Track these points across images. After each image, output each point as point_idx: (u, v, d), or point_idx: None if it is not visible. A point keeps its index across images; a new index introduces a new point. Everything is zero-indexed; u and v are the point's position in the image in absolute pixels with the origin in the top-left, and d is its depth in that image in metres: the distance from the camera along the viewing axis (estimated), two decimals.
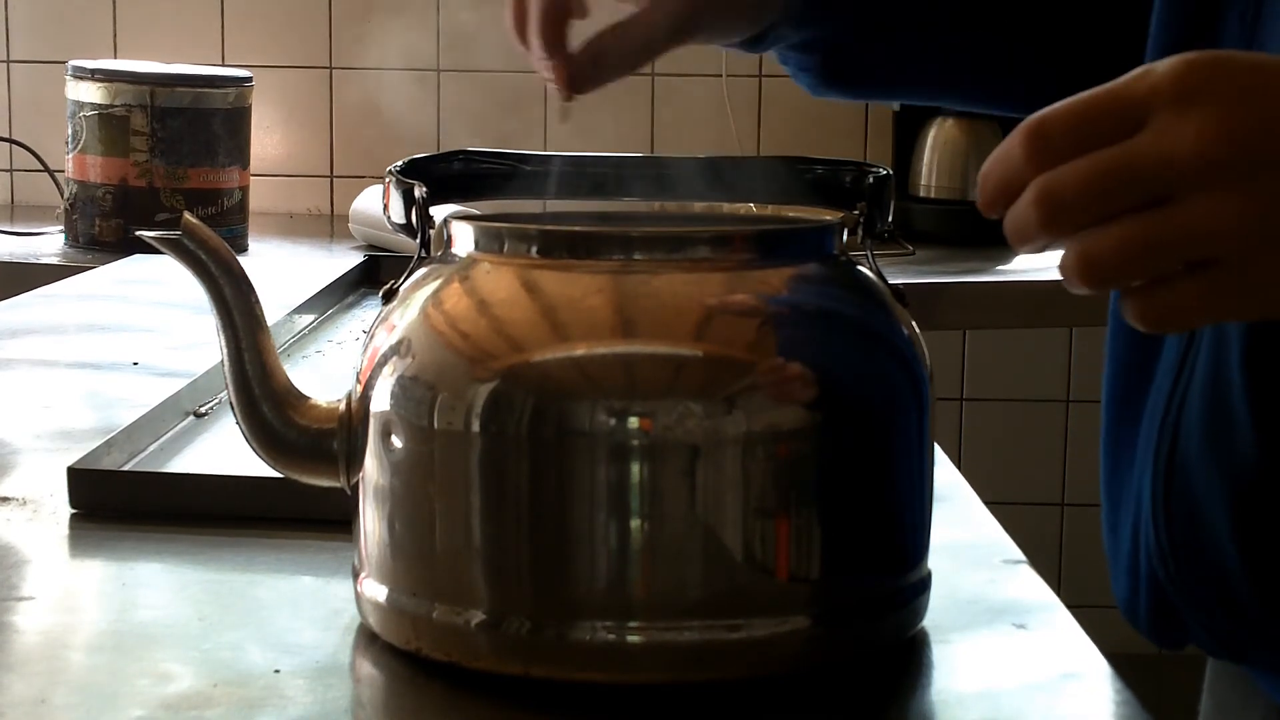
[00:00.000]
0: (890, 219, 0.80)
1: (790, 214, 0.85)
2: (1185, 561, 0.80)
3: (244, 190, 2.39)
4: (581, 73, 0.91)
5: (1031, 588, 0.86)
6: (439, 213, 0.78)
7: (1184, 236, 0.59)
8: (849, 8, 0.96)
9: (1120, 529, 0.85)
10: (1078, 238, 0.61)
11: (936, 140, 2.57)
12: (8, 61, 2.78)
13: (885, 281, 0.78)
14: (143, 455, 1.06)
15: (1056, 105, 0.61)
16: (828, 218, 0.78)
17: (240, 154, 2.38)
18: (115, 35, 2.76)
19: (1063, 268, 0.62)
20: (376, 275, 1.75)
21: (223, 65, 2.66)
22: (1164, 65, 0.60)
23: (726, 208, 0.88)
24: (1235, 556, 0.77)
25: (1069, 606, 0.82)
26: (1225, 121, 0.58)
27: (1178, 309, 0.61)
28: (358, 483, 0.76)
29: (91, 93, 2.30)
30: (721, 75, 2.63)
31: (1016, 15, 0.97)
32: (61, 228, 2.39)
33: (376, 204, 2.27)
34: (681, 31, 0.92)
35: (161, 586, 0.87)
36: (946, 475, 1.03)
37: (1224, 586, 0.78)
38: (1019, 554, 0.90)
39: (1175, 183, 0.59)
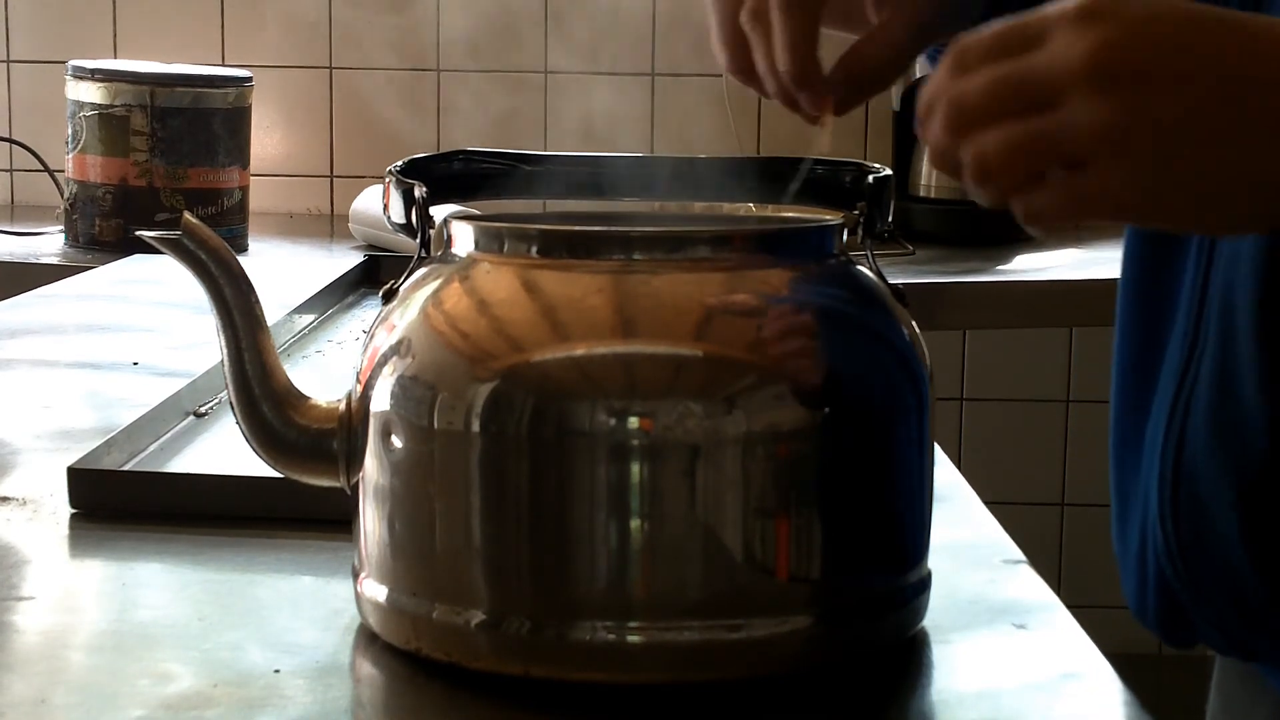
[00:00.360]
0: (890, 219, 0.80)
1: (789, 214, 0.85)
2: (1193, 561, 0.80)
3: (244, 190, 2.39)
4: (840, 96, 0.86)
5: (1031, 588, 0.86)
6: (439, 213, 0.78)
7: (1055, 135, 0.63)
8: None
9: (1129, 528, 0.86)
10: (974, 142, 0.64)
11: None
12: (8, 61, 2.78)
13: (885, 281, 0.78)
14: (143, 455, 1.06)
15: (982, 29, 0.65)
16: (828, 218, 0.78)
17: (240, 154, 2.38)
18: (115, 35, 2.76)
19: (965, 177, 0.66)
20: (376, 275, 1.75)
21: (223, 65, 2.66)
22: None
23: (726, 208, 0.88)
24: (1243, 555, 0.77)
25: (1069, 606, 0.82)
26: (1113, 36, 0.61)
27: (1051, 206, 0.65)
28: (358, 483, 0.76)
29: (91, 93, 2.30)
30: (722, 75, 2.62)
31: None
32: (61, 228, 2.39)
33: (376, 204, 2.27)
34: (924, 37, 0.89)
35: (161, 586, 0.87)
36: (946, 475, 1.03)
37: (1232, 585, 0.78)
38: (1019, 554, 0.90)
39: (1060, 89, 0.62)
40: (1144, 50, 0.62)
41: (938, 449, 0.93)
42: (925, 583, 0.77)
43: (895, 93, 2.61)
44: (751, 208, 0.92)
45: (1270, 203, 0.63)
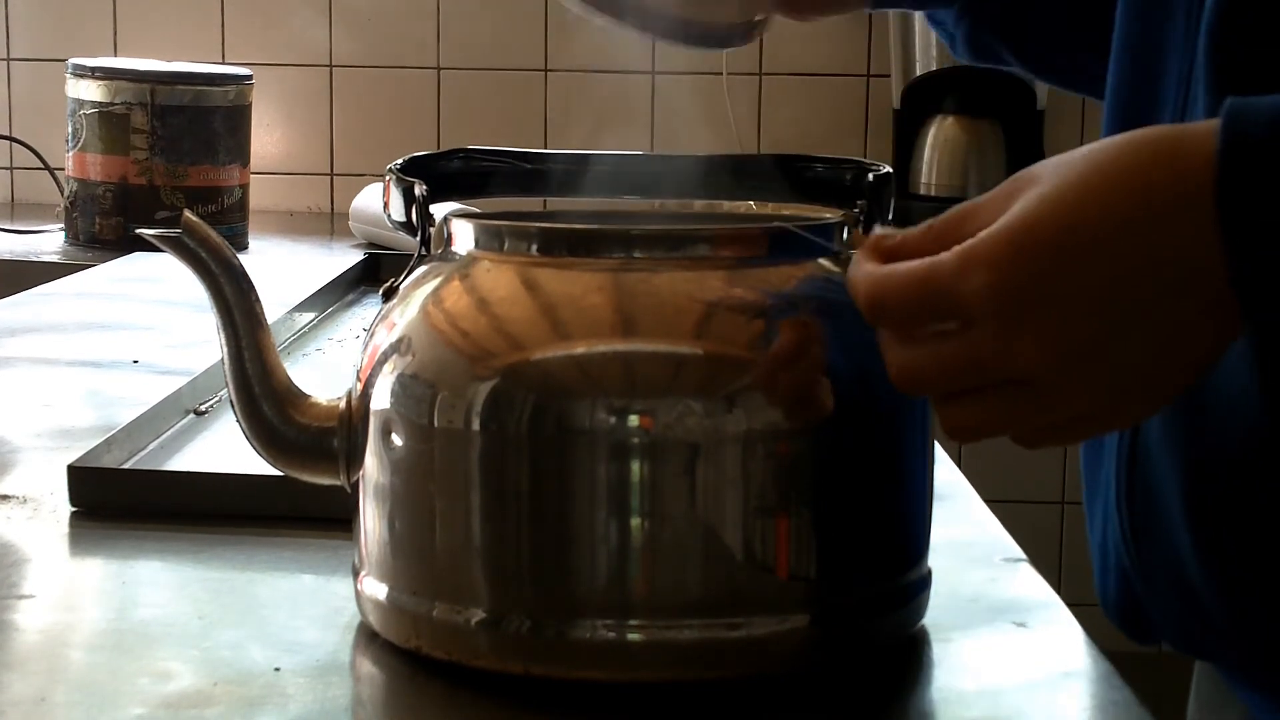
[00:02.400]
0: (890, 217, 0.80)
1: (789, 212, 0.85)
2: (1145, 547, 0.80)
3: (244, 188, 2.39)
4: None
5: (1031, 586, 0.86)
6: (439, 211, 0.78)
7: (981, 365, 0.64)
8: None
9: (1094, 518, 0.86)
10: (897, 349, 0.66)
11: (937, 138, 2.57)
12: (8, 59, 2.78)
13: None
14: (143, 453, 1.06)
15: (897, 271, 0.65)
16: (828, 216, 0.78)
17: (240, 152, 2.38)
18: (115, 33, 2.76)
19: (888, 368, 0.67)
20: (376, 273, 1.75)
21: (223, 63, 2.66)
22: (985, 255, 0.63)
23: (726, 206, 0.88)
24: (1189, 543, 0.77)
25: (1069, 605, 0.83)
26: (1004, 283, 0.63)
27: (984, 418, 0.66)
28: (358, 481, 0.76)
29: (92, 90, 2.30)
30: (722, 74, 2.63)
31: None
32: (62, 226, 2.39)
33: (377, 202, 2.27)
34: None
35: (162, 585, 0.87)
36: (947, 474, 1.03)
37: (1180, 576, 0.78)
38: (1019, 552, 0.91)
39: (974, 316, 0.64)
40: (1025, 286, 0.62)
41: (938, 447, 0.93)
42: (925, 581, 0.77)
43: (895, 91, 2.61)
44: (751, 205, 0.92)
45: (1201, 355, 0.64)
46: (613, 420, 0.69)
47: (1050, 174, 0.64)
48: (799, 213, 0.84)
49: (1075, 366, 0.63)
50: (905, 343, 0.65)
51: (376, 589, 0.75)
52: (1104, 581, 0.85)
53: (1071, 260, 0.62)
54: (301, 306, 1.52)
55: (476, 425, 0.70)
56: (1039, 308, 0.62)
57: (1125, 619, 0.84)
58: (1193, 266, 0.62)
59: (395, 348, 0.74)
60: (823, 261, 0.75)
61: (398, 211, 0.79)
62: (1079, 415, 0.65)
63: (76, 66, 2.33)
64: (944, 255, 0.63)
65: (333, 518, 0.85)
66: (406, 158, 0.83)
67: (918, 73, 2.57)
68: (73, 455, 0.98)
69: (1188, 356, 0.63)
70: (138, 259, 1.94)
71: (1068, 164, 0.64)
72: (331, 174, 2.78)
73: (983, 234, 0.63)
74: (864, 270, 0.66)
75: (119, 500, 0.95)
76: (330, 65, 2.76)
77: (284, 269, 1.80)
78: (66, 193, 2.36)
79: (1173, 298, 0.62)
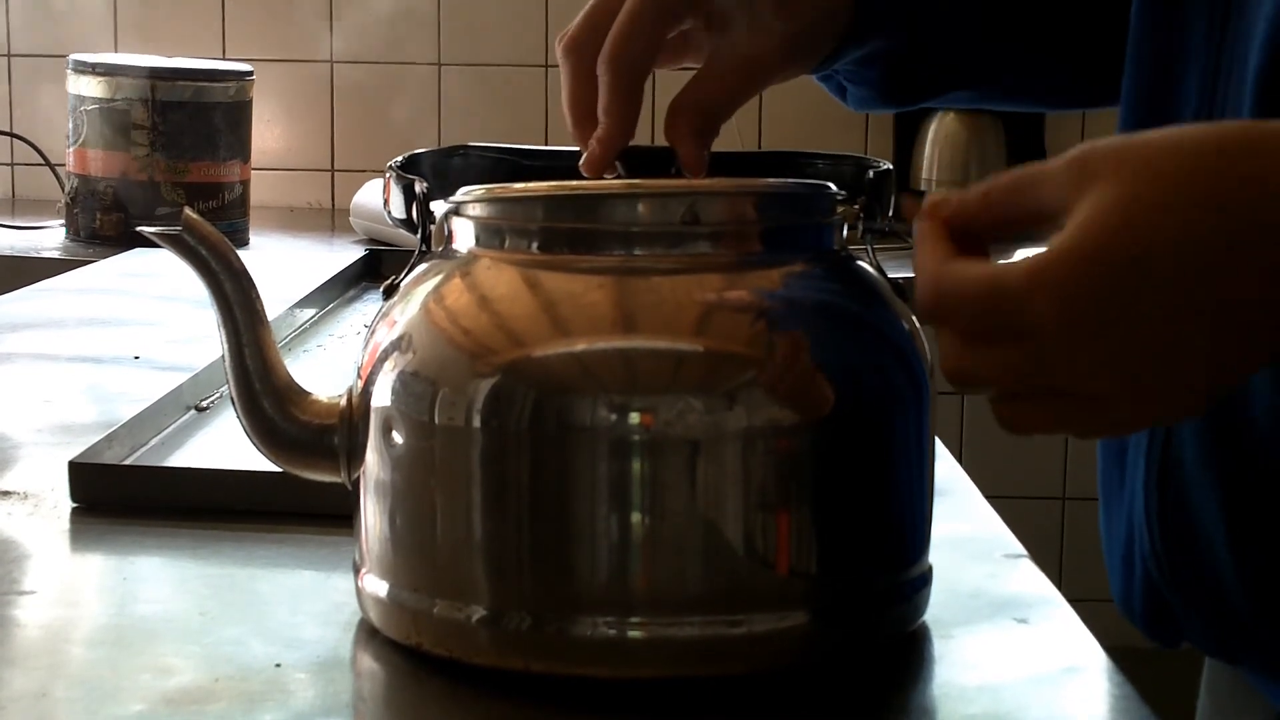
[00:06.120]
0: (891, 213, 0.80)
1: (791, 181, 0.84)
2: (1180, 565, 0.80)
3: (245, 184, 2.40)
4: (688, 152, 0.85)
5: (1032, 582, 0.86)
6: (440, 208, 0.78)
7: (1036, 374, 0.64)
8: (905, 21, 0.94)
9: (1114, 525, 0.85)
10: (954, 347, 0.65)
11: (937, 134, 2.57)
12: (9, 55, 2.78)
13: (885, 276, 0.78)
14: (144, 449, 1.06)
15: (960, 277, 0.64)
16: (830, 186, 0.77)
17: (241, 148, 2.38)
18: (116, 29, 2.76)
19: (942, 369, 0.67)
20: (377, 270, 1.75)
21: (223, 59, 2.66)
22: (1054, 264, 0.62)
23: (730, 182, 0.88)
24: (1230, 563, 0.77)
25: (1070, 601, 0.83)
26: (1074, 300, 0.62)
27: (1035, 423, 0.66)
28: (358, 478, 0.76)
29: (92, 87, 2.30)
30: None
31: (1039, 28, 0.97)
32: (62, 222, 2.39)
33: (377, 198, 2.27)
34: (756, 84, 0.88)
35: (162, 581, 0.87)
36: (947, 469, 1.03)
37: (1218, 591, 0.78)
38: (1020, 548, 0.91)
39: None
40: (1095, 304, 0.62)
41: (938, 443, 0.93)
42: (926, 577, 0.77)
43: None
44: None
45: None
46: (613, 417, 0.69)
47: (1119, 175, 0.62)
48: (800, 182, 0.83)
49: (1139, 380, 0.62)
50: (964, 342, 0.64)
51: (377, 585, 0.75)
52: (1127, 589, 0.85)
53: (1144, 285, 0.61)
54: (302, 303, 1.52)
55: (477, 422, 0.70)
56: (1108, 327, 0.61)
57: (1151, 625, 0.84)
58: (1265, 286, 0.61)
59: (396, 345, 0.74)
60: (823, 258, 0.75)
61: (398, 208, 0.79)
62: (1135, 418, 0.66)
63: (77, 63, 2.33)
64: (1012, 271, 0.62)
65: (333, 514, 0.85)
66: (407, 154, 0.83)
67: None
68: (73, 451, 0.98)
69: (1251, 364, 0.63)
70: (138, 255, 1.94)
71: (1137, 163, 0.62)
72: (332, 170, 2.78)
73: (1052, 252, 0.62)
74: (927, 259, 0.65)
75: (120, 496, 0.95)
76: (331, 61, 2.76)
77: (284, 265, 1.81)
78: (67, 189, 2.36)
79: (1247, 312, 0.61)
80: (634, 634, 0.70)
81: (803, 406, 0.70)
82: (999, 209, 0.65)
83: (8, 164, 2.77)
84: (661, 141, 0.85)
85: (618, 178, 0.84)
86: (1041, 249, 0.62)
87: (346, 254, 1.84)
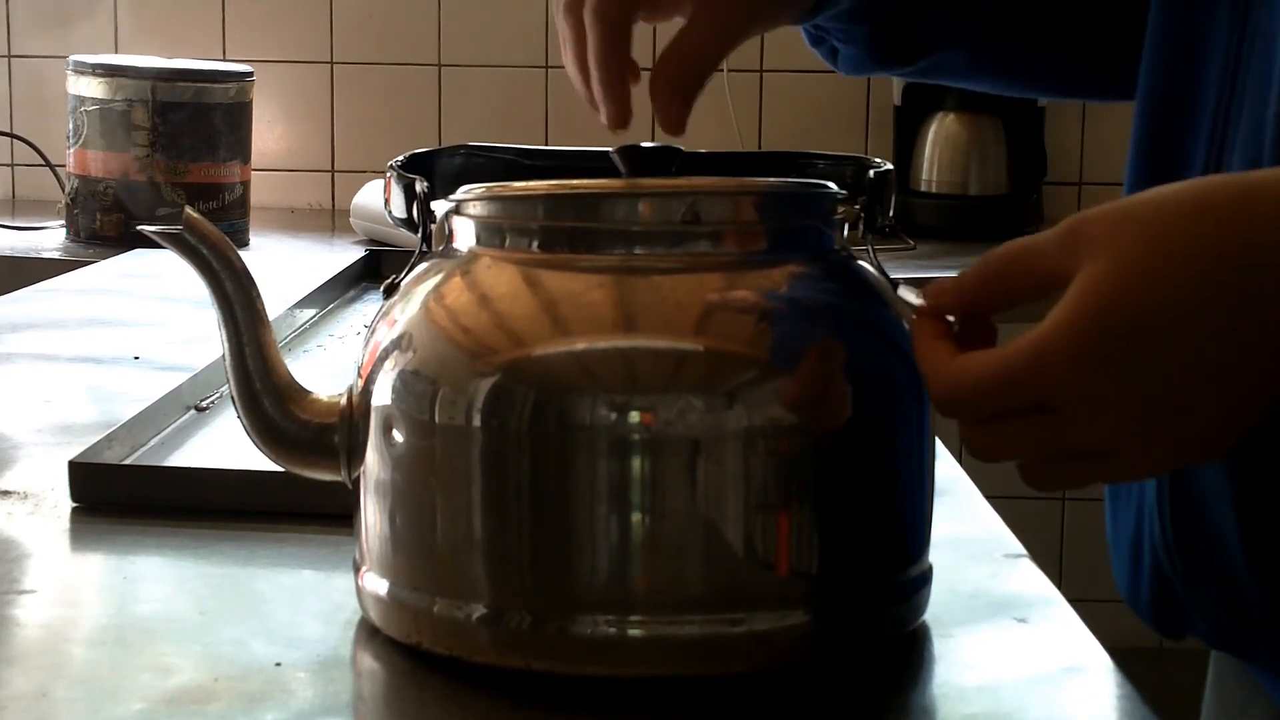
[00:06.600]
0: (891, 213, 0.80)
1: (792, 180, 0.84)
2: (1190, 556, 0.80)
3: (245, 185, 2.40)
4: (668, 113, 0.86)
5: (1032, 581, 0.86)
6: (440, 207, 0.78)
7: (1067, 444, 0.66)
8: None
9: (1121, 513, 0.85)
10: (975, 431, 0.68)
11: (938, 134, 2.57)
12: (9, 56, 2.78)
13: (886, 276, 0.78)
14: (144, 449, 1.06)
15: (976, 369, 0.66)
16: (830, 186, 0.77)
17: (241, 148, 2.38)
18: (116, 30, 2.76)
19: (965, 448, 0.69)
20: (377, 270, 1.75)
21: (224, 60, 2.66)
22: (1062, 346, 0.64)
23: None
24: (1241, 557, 0.77)
25: (1070, 600, 0.83)
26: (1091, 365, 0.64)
27: (1066, 482, 0.68)
28: (359, 477, 0.76)
29: (93, 87, 2.30)
30: (723, 70, 2.62)
31: (1041, 27, 0.97)
32: (63, 222, 2.39)
33: (377, 198, 2.27)
34: (738, 35, 0.88)
35: (162, 580, 0.87)
36: (947, 469, 1.03)
37: (1228, 582, 0.78)
38: (1020, 548, 0.91)
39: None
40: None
41: (938, 443, 0.93)
42: (926, 577, 0.77)
43: (896, 88, 2.61)
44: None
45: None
46: (613, 416, 0.69)
47: (1113, 241, 0.64)
48: (802, 181, 0.83)
49: (1158, 431, 0.64)
50: (984, 426, 0.67)
51: (377, 584, 0.75)
52: (1134, 580, 0.85)
53: (1146, 345, 0.63)
54: (302, 303, 1.52)
55: (477, 421, 0.70)
56: (1120, 388, 0.63)
57: (1157, 617, 0.84)
58: (1266, 331, 0.63)
59: (396, 344, 0.74)
60: (824, 258, 0.75)
61: (399, 208, 0.79)
62: (1160, 464, 0.68)
63: (78, 63, 2.33)
64: (1018, 352, 0.64)
65: (334, 513, 0.85)
66: (407, 154, 0.83)
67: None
68: (74, 451, 0.98)
69: (1263, 402, 0.64)
70: (139, 255, 1.94)
71: (1129, 229, 0.64)
72: (332, 170, 2.78)
73: (1054, 324, 0.64)
74: (932, 361, 0.68)
75: (120, 496, 0.95)
76: (331, 62, 2.76)
77: (285, 265, 1.81)
78: (67, 189, 2.36)
79: (1252, 358, 0.63)
80: (634, 633, 0.70)
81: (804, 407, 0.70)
82: (998, 288, 0.68)
83: (8, 165, 2.77)
84: (661, 140, 0.85)
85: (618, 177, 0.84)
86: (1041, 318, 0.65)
87: (347, 254, 1.84)
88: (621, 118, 0.86)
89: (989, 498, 1.01)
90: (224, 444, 1.07)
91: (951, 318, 0.69)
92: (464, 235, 0.76)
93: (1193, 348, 0.63)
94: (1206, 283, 0.62)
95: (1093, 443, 0.65)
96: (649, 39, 0.90)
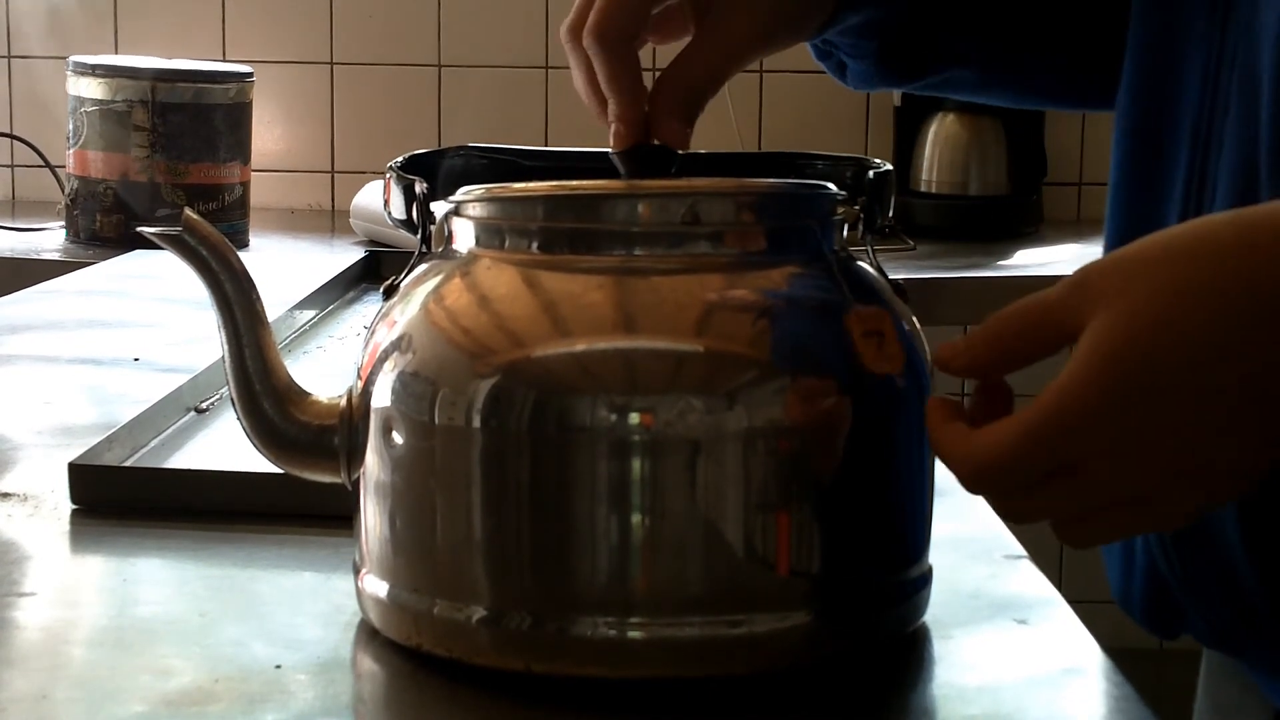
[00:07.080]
0: (891, 214, 0.80)
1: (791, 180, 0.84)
2: (1189, 555, 0.80)
3: (245, 186, 2.40)
4: (671, 133, 0.84)
5: (1032, 583, 0.86)
6: (440, 208, 0.78)
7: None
8: None
9: None
10: (1006, 504, 0.69)
11: (938, 135, 2.57)
12: (9, 57, 2.78)
13: (886, 276, 0.78)
14: (144, 451, 1.06)
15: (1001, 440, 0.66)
16: (829, 187, 0.77)
17: (241, 149, 2.38)
18: (116, 31, 2.76)
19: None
20: (377, 271, 1.75)
21: (224, 60, 2.66)
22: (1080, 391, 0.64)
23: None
24: (1243, 555, 0.76)
25: (1069, 601, 0.83)
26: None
27: (1104, 536, 0.69)
28: (359, 478, 0.76)
29: (92, 88, 2.30)
30: None
31: (1051, 40, 0.97)
32: (62, 223, 2.39)
33: (377, 199, 2.27)
34: (741, 58, 0.87)
35: (162, 582, 0.87)
36: (947, 469, 1.03)
37: (1229, 584, 0.78)
38: (1020, 549, 0.91)
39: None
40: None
41: None
42: (926, 578, 0.77)
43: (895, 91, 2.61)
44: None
45: None
46: (613, 417, 0.69)
47: (1120, 294, 0.64)
48: (800, 182, 0.83)
49: (1187, 475, 0.65)
50: (1014, 493, 0.67)
51: (377, 586, 0.75)
52: (1126, 580, 0.85)
53: (1162, 388, 0.63)
54: (302, 304, 1.52)
55: (477, 423, 0.70)
56: (1140, 433, 0.63)
57: (1149, 616, 0.84)
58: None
59: (396, 345, 0.74)
60: (824, 259, 0.75)
61: (398, 209, 0.79)
62: (1194, 505, 0.67)
63: (77, 64, 2.33)
64: (1036, 417, 0.64)
65: (334, 515, 0.85)
66: (407, 155, 0.83)
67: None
68: (73, 453, 0.98)
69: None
70: (138, 256, 1.94)
71: (1134, 280, 0.64)
72: (332, 171, 2.78)
73: (1069, 382, 0.64)
74: (950, 445, 0.68)
75: (120, 498, 0.95)
76: (331, 63, 2.76)
77: (285, 266, 1.81)
78: (67, 190, 2.36)
79: (1271, 388, 0.63)
80: (634, 634, 0.70)
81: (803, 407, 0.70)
82: (1010, 346, 0.68)
83: (8, 166, 2.77)
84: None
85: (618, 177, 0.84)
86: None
87: (346, 255, 1.84)
88: (634, 140, 0.85)
89: None
90: (224, 446, 1.07)
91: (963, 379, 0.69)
92: (464, 236, 0.76)
93: (1210, 386, 0.63)
94: (1217, 323, 0.63)
95: (1124, 493, 0.65)
96: (648, 52, 0.89)
